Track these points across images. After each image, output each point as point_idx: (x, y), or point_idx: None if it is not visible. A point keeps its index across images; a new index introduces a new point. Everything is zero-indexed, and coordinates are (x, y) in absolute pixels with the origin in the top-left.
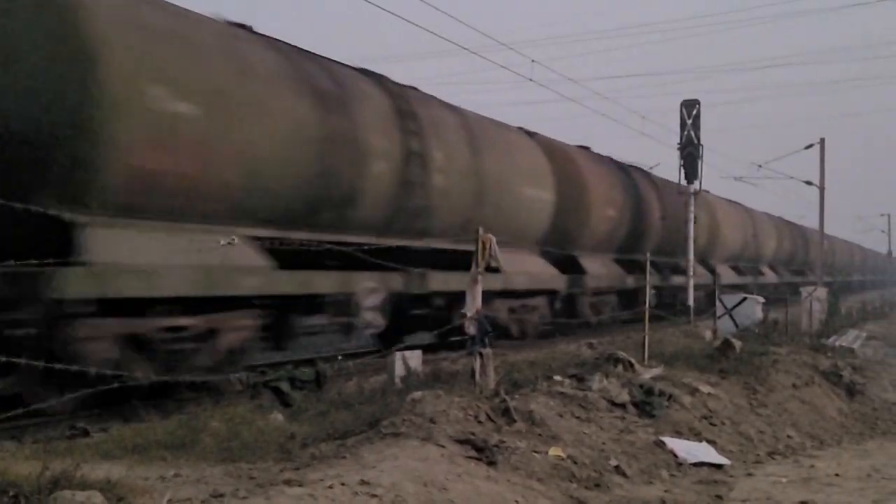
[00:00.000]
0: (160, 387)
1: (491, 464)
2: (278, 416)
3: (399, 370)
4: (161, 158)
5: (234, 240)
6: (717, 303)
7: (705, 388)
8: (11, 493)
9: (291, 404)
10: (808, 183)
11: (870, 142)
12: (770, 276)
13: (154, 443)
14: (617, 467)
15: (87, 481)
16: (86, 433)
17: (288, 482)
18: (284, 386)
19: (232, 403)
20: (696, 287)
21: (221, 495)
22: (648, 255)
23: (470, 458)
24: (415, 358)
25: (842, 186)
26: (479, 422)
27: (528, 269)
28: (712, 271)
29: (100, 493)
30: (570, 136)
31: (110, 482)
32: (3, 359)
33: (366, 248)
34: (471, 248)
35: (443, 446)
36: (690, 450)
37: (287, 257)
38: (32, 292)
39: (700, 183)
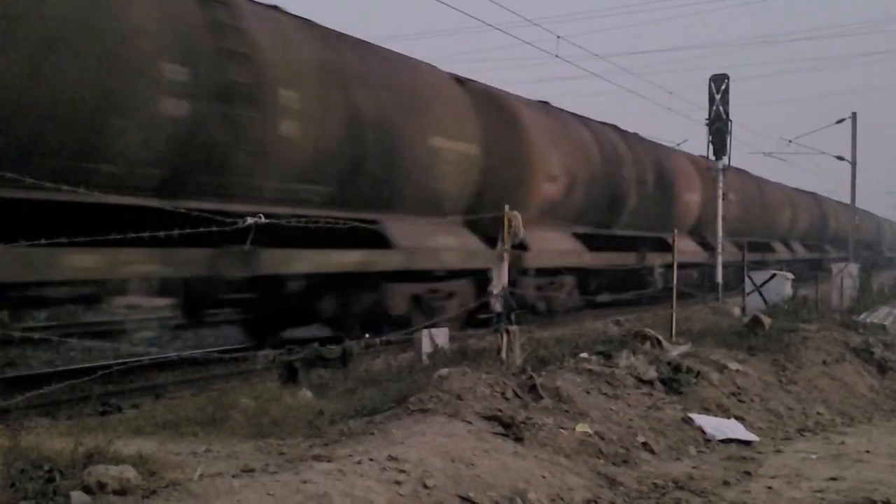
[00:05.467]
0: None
1: (518, 440)
2: (307, 393)
3: (426, 347)
4: None
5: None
6: (746, 279)
7: (734, 365)
8: (46, 468)
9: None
10: (840, 158)
11: None
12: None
13: (185, 419)
14: (644, 444)
15: (120, 456)
16: (118, 409)
17: (317, 458)
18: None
19: (261, 380)
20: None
21: (252, 470)
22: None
23: (497, 434)
24: (442, 335)
25: (874, 161)
26: (506, 398)
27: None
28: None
29: (132, 467)
30: (597, 112)
31: (142, 457)
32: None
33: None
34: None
35: (470, 423)
36: (719, 426)
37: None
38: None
39: (729, 159)
